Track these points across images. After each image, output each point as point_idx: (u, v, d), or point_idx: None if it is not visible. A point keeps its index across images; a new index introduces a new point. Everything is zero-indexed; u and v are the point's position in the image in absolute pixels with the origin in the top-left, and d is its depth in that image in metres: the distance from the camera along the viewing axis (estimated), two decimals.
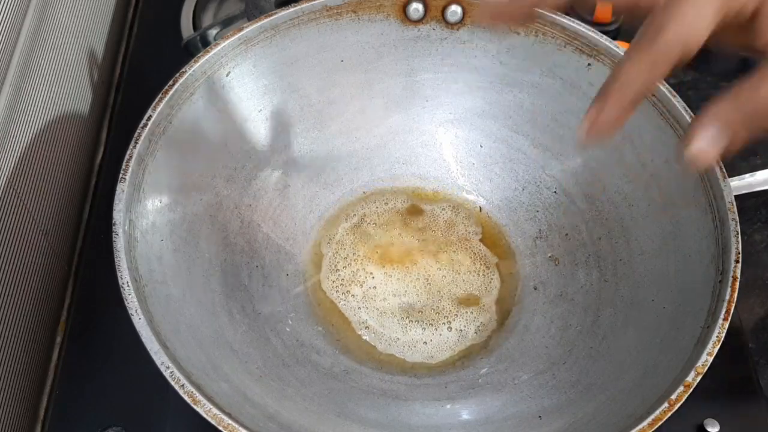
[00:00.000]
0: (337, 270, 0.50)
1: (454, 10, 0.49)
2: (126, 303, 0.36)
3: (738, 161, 0.60)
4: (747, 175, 0.58)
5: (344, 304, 0.49)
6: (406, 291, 0.50)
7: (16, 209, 0.47)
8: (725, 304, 0.37)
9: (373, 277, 0.50)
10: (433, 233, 0.52)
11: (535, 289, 0.50)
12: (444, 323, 0.48)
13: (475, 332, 0.48)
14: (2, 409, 0.46)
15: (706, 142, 0.29)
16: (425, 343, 0.48)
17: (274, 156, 0.51)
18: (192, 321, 0.40)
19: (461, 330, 0.48)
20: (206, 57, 0.45)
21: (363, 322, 0.48)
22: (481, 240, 0.52)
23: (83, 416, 0.45)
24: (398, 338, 0.48)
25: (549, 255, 0.51)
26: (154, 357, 0.35)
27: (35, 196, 0.50)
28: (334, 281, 0.50)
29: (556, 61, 0.49)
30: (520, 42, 0.49)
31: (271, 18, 0.47)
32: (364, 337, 0.48)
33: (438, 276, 0.50)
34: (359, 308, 0.49)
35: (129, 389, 0.46)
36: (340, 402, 0.43)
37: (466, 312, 0.49)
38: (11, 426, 0.47)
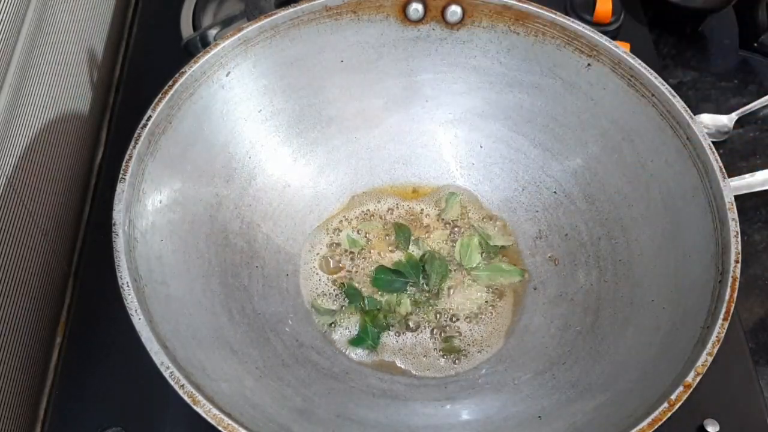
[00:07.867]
0: (337, 273, 0.50)
1: (454, 11, 0.49)
2: (126, 303, 0.36)
3: (738, 161, 0.60)
4: (747, 175, 0.58)
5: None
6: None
7: (16, 209, 0.47)
8: (725, 304, 0.37)
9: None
10: (434, 234, 0.52)
11: (535, 289, 0.50)
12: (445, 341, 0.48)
13: (479, 352, 0.48)
14: (2, 409, 0.46)
15: None
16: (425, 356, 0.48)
17: (274, 156, 0.51)
18: (192, 321, 0.40)
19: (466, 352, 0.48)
20: (206, 57, 0.45)
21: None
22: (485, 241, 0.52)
23: (83, 416, 0.45)
24: (401, 348, 0.48)
25: (549, 255, 0.51)
26: (154, 357, 0.35)
27: (35, 196, 0.50)
28: (332, 285, 0.50)
29: (556, 61, 0.49)
30: (520, 42, 0.49)
31: (271, 18, 0.47)
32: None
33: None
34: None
35: (129, 389, 0.46)
36: (340, 402, 0.43)
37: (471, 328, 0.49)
38: (11, 426, 0.47)
